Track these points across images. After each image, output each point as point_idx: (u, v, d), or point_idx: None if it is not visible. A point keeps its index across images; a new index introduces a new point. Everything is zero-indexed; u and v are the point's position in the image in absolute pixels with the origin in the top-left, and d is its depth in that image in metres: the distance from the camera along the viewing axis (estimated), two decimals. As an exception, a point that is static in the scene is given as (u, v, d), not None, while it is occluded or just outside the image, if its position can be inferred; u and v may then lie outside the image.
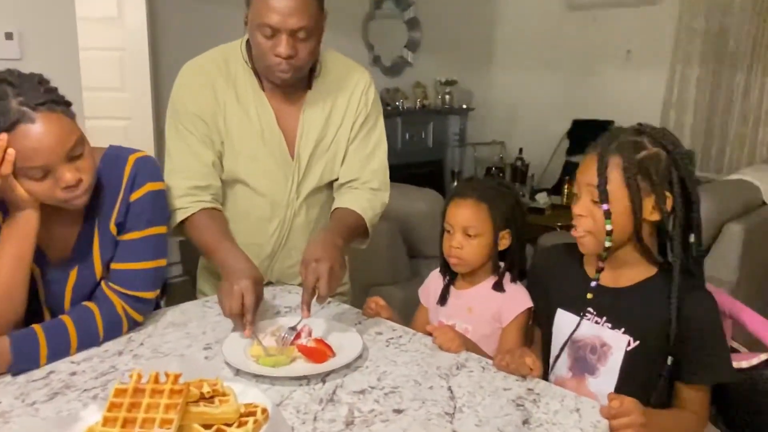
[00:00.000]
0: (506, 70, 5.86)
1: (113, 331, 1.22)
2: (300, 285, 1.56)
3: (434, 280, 1.50)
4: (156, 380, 0.86)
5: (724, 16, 4.57)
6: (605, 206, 1.13)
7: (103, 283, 1.24)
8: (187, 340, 1.25)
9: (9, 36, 2.34)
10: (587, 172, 1.16)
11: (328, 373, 1.10)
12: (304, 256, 1.22)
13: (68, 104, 1.12)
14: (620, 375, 1.19)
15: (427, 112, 5.29)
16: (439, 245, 1.43)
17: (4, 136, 1.03)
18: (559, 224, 3.65)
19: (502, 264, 1.40)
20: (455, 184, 4.59)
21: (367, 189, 1.54)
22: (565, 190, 4.52)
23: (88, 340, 1.18)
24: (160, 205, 1.29)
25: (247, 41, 1.45)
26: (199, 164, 1.45)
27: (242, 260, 1.31)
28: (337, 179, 1.56)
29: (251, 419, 0.87)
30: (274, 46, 1.32)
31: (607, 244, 1.15)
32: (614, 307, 1.21)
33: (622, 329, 1.19)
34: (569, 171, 4.91)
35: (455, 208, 1.38)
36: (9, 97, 1.04)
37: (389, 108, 4.95)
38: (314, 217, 1.56)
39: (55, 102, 1.08)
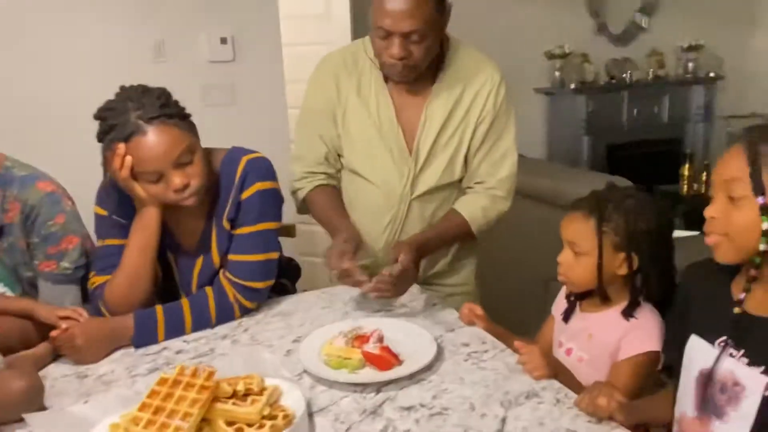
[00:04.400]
0: (771, 28, 4.89)
1: (225, 316, 1.35)
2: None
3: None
4: (194, 374, 0.95)
5: None
6: (761, 199, 0.90)
7: (220, 272, 1.39)
8: (284, 330, 1.33)
9: (224, 41, 2.71)
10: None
11: (386, 383, 1.09)
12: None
13: (184, 116, 1.27)
14: (755, 424, 0.94)
15: (663, 83, 4.68)
16: None
17: (122, 145, 1.21)
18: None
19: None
20: (686, 167, 4.01)
21: (489, 195, 1.52)
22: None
23: (202, 322, 1.33)
24: (269, 203, 1.39)
25: None
26: (314, 155, 1.56)
27: (342, 226, 1.45)
28: (459, 181, 1.54)
29: (269, 423, 0.90)
30: (387, 47, 1.36)
31: (762, 247, 0.91)
32: (756, 339, 0.96)
33: (762, 368, 0.94)
34: None
35: (565, 221, 1.24)
36: (129, 112, 1.21)
37: (613, 81, 4.51)
38: (429, 214, 1.55)
39: (167, 115, 1.22)
